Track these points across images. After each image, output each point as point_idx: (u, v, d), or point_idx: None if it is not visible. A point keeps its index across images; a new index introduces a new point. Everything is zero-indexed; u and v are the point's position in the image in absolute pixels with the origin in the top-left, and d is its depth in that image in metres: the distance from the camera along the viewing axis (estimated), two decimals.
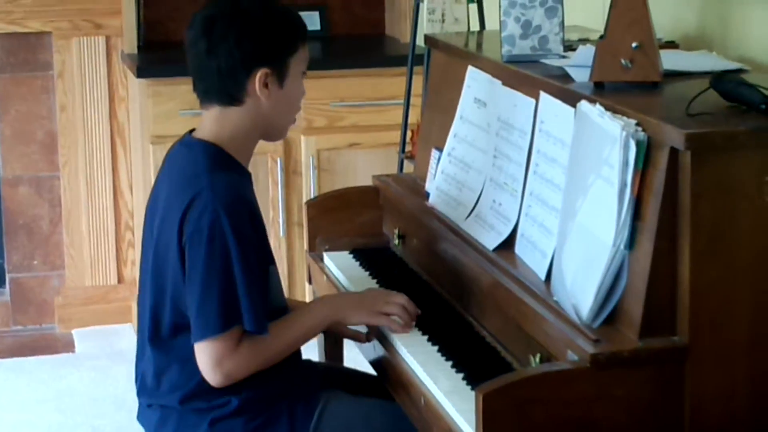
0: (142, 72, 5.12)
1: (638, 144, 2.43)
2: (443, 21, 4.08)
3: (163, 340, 2.93)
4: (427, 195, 3.45)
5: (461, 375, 2.72)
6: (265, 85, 2.93)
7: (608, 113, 2.53)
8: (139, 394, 3.06)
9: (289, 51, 2.97)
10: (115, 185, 5.64)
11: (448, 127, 3.43)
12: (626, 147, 2.43)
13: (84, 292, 5.69)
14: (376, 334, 3.03)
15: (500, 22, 3.17)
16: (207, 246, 2.80)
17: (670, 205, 2.38)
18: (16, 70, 5.54)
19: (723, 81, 2.55)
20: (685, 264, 2.37)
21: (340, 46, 5.72)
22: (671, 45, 3.29)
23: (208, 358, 2.83)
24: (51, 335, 5.64)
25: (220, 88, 2.93)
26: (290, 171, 5.26)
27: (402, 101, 5.29)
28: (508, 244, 2.97)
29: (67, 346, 5.52)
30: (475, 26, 4.27)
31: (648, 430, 2.41)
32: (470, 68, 3.34)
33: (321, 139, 5.28)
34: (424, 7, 4.14)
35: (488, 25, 4.29)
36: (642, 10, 2.73)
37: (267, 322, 2.85)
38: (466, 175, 3.26)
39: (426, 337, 2.94)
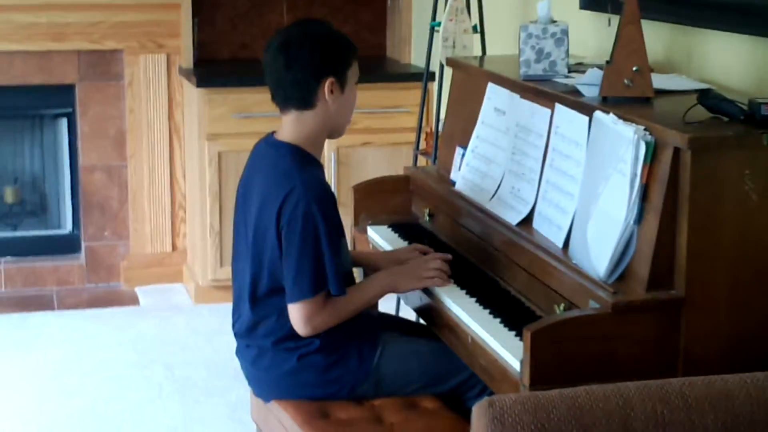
0: (201, 82, 5.25)
1: (647, 144, 2.60)
2: (454, 47, 4.23)
3: (259, 298, 3.09)
4: (452, 182, 3.60)
5: (498, 320, 2.88)
6: (331, 92, 3.08)
7: (621, 121, 2.71)
8: (237, 336, 3.21)
9: (347, 64, 3.13)
10: (171, 173, 5.75)
11: (469, 130, 3.59)
12: (637, 146, 2.61)
13: (145, 258, 5.78)
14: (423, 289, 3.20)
15: (519, 49, 3.32)
16: (302, 230, 2.97)
17: (672, 190, 2.55)
18: (94, 79, 5.63)
19: (708, 97, 2.72)
20: (683, 235, 2.54)
21: None
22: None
23: (301, 315, 2.99)
24: (117, 291, 5.74)
25: (297, 95, 3.08)
26: None
27: (404, 109, 5.48)
28: (527, 221, 3.13)
29: (133, 300, 5.62)
30: (477, 51, 4.42)
31: (652, 361, 2.57)
32: (490, 84, 3.49)
33: (341, 139, 5.39)
34: (439, 36, 4.27)
35: (488, 51, 4.45)
36: (640, 42, 2.90)
37: (345, 286, 3.02)
38: (488, 167, 3.42)
39: (464, 291, 3.08)
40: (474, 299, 3.03)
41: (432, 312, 3.14)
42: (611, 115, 2.75)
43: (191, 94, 5.44)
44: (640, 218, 2.62)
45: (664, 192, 2.56)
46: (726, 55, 3.26)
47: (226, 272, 5.31)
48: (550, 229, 3.01)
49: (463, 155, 3.57)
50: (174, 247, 5.82)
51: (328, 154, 5.39)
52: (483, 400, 2.33)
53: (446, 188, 3.59)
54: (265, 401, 3.16)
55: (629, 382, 2.38)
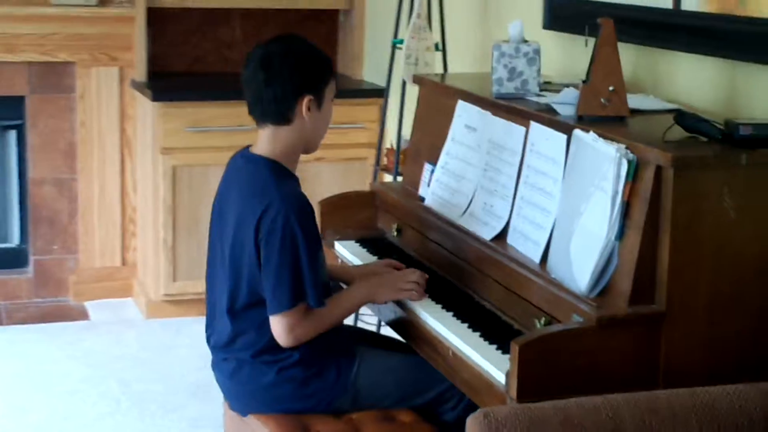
0: (156, 96, 5.24)
1: (629, 162, 2.67)
2: (416, 64, 4.28)
3: (238, 312, 3.11)
4: (420, 198, 3.66)
5: (477, 334, 2.92)
6: (309, 109, 3.11)
7: (601, 139, 2.77)
8: (214, 349, 3.22)
9: (325, 82, 3.16)
10: (122, 186, 5.72)
11: (438, 146, 3.64)
12: (619, 164, 2.68)
13: (94, 272, 5.75)
14: (397, 303, 3.24)
15: (492, 67, 3.38)
16: (280, 243, 2.99)
17: (654, 207, 2.62)
18: (45, 91, 5.59)
19: (685, 117, 2.80)
20: (665, 251, 2.61)
21: None
22: None
23: (283, 327, 3.02)
24: (66, 306, 5.69)
25: (275, 111, 3.11)
26: None
27: (359, 125, 5.53)
28: (500, 236, 3.18)
29: (82, 315, 5.58)
30: (439, 69, 4.48)
31: (634, 373, 2.63)
32: (460, 102, 3.55)
33: None
34: (401, 54, 4.32)
35: (449, 69, 4.51)
36: (615, 62, 2.97)
37: (324, 298, 3.06)
38: (459, 184, 3.47)
39: (440, 306, 3.13)
40: (451, 313, 3.07)
41: (408, 326, 3.18)
42: (591, 133, 2.81)
43: (144, 107, 5.43)
44: (621, 234, 2.69)
45: (647, 209, 2.62)
46: (692, 77, 3.35)
47: (179, 287, 5.34)
48: (526, 245, 3.07)
49: (433, 171, 3.63)
50: (124, 262, 5.79)
51: None
52: (477, 412, 2.37)
53: (415, 203, 3.63)
54: (242, 415, 3.17)
55: (617, 394, 2.44)
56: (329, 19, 6.00)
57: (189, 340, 5.14)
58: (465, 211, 3.39)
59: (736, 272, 2.65)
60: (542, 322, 2.81)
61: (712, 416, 2.40)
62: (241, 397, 3.15)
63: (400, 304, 3.23)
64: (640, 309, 2.63)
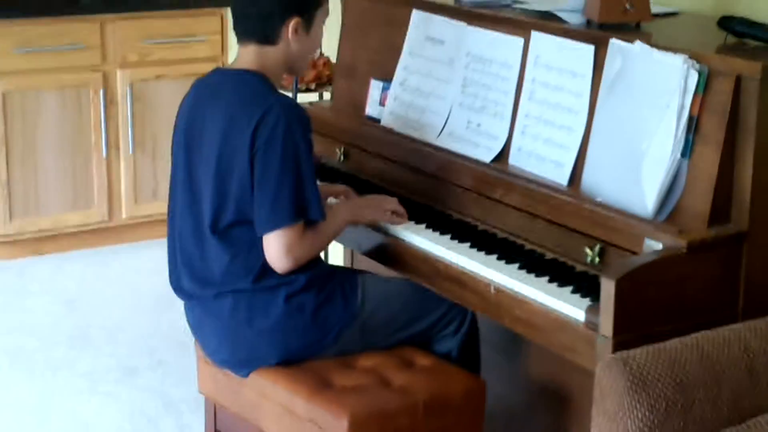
0: None
1: (699, 74, 2.49)
2: None
3: (223, 234, 2.77)
4: (370, 118, 3.37)
5: (516, 265, 2.67)
6: (296, 31, 2.81)
7: (657, 50, 2.58)
8: (192, 291, 2.85)
9: (317, 4, 2.86)
10: None
11: (383, 61, 3.36)
12: (687, 76, 2.50)
13: None
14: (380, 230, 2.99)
15: None
16: (282, 150, 2.70)
17: (732, 122, 2.47)
18: None
19: (733, 21, 2.64)
20: (747, 168, 2.46)
21: None
22: None
23: (280, 245, 2.72)
24: None
25: (259, 30, 2.82)
26: (108, 101, 4.92)
27: (199, 38, 5.11)
28: (497, 158, 2.96)
29: None
30: None
31: (717, 299, 2.48)
32: (415, 11, 3.27)
33: (133, 73, 4.98)
34: None
35: None
36: None
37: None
38: (426, 101, 3.20)
39: (448, 236, 2.88)
40: (467, 244, 2.83)
41: (403, 255, 2.93)
42: (638, 43, 2.61)
43: None
44: (690, 151, 2.52)
45: (725, 123, 2.46)
46: None
47: (17, 226, 4.80)
48: (544, 166, 2.85)
49: (385, 88, 3.33)
50: None
51: (122, 89, 4.93)
52: (614, 358, 2.17)
53: (368, 124, 3.34)
54: (243, 375, 2.81)
55: (739, 324, 2.30)
56: None
57: (38, 285, 4.65)
58: (442, 131, 3.13)
59: None
60: (596, 250, 2.61)
61: None
62: (243, 344, 2.78)
63: (384, 231, 2.97)
64: (723, 230, 2.48)
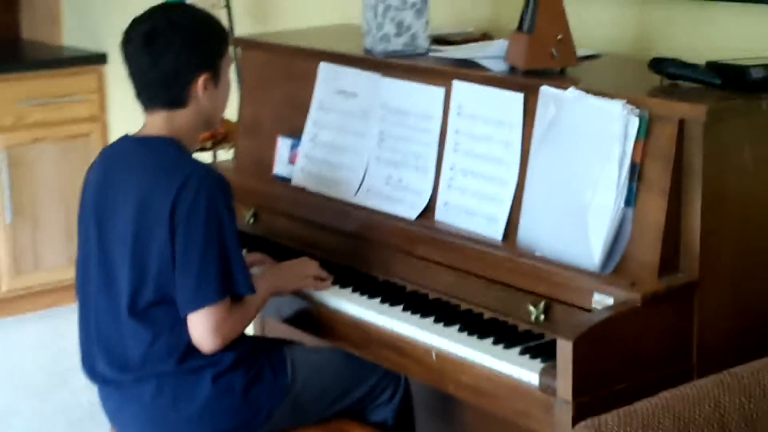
0: None
1: (640, 119, 2.40)
2: None
3: (142, 312, 2.58)
4: (277, 178, 3.21)
5: (455, 328, 2.53)
6: (205, 88, 2.65)
7: (592, 96, 2.48)
8: (122, 371, 2.63)
9: (220, 54, 2.71)
10: None
11: (290, 116, 3.21)
12: (627, 122, 2.40)
13: None
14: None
15: (377, 23, 2.98)
16: (204, 223, 2.53)
17: (677, 168, 2.37)
18: None
19: (664, 63, 2.55)
20: (695, 214, 2.36)
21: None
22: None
23: (207, 325, 2.55)
24: None
25: (165, 95, 2.65)
26: None
27: (78, 98, 4.90)
28: (422, 215, 2.83)
29: None
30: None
31: (670, 350, 2.38)
32: (323, 64, 3.13)
33: (9, 138, 4.72)
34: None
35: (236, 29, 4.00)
36: (560, 6, 2.68)
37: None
38: (340, 157, 3.06)
39: (377, 299, 2.73)
40: (399, 308, 2.69)
41: (330, 322, 2.79)
42: (573, 89, 2.51)
43: None
44: (633, 200, 2.42)
45: (670, 169, 2.36)
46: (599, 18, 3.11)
47: None
48: (474, 221, 2.72)
49: (294, 146, 3.18)
50: None
51: None
52: (585, 423, 2.04)
53: (277, 184, 3.18)
54: None
55: (706, 379, 2.19)
56: None
57: None
58: (359, 188, 2.99)
59: (763, 228, 2.46)
60: (540, 307, 2.49)
61: None
62: (168, 430, 2.58)
63: (307, 297, 2.82)
64: (674, 280, 2.37)
